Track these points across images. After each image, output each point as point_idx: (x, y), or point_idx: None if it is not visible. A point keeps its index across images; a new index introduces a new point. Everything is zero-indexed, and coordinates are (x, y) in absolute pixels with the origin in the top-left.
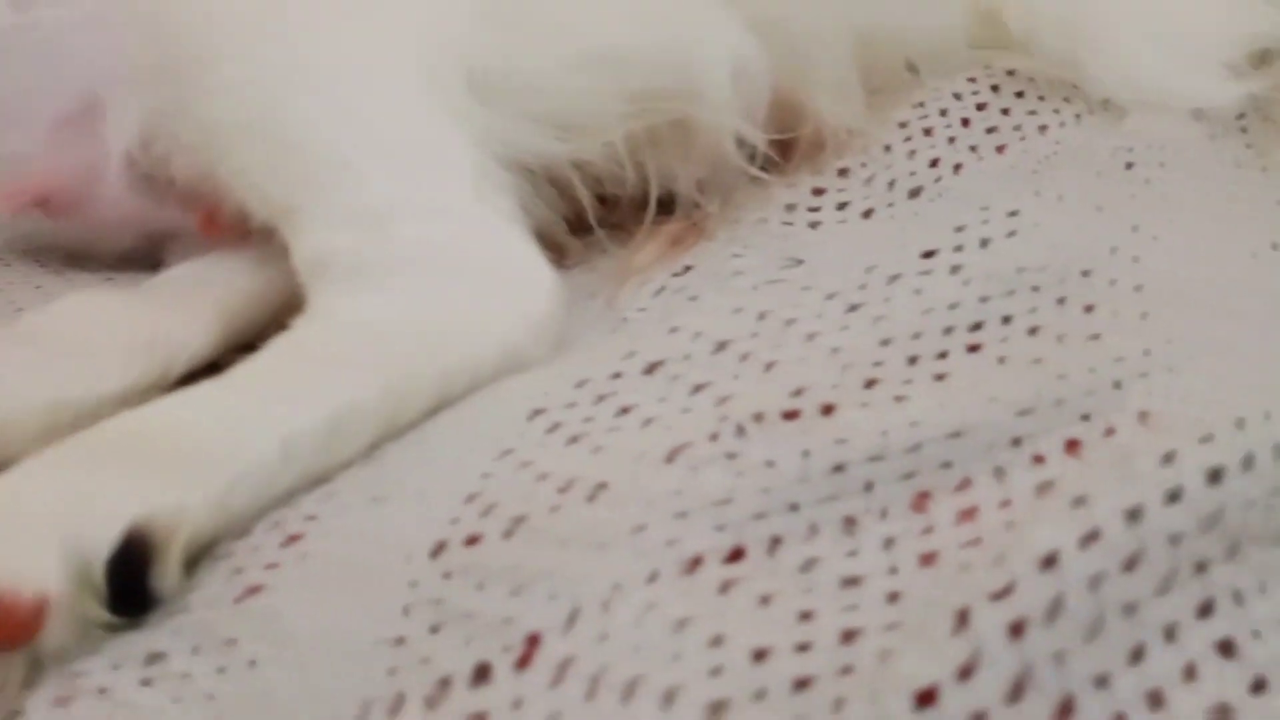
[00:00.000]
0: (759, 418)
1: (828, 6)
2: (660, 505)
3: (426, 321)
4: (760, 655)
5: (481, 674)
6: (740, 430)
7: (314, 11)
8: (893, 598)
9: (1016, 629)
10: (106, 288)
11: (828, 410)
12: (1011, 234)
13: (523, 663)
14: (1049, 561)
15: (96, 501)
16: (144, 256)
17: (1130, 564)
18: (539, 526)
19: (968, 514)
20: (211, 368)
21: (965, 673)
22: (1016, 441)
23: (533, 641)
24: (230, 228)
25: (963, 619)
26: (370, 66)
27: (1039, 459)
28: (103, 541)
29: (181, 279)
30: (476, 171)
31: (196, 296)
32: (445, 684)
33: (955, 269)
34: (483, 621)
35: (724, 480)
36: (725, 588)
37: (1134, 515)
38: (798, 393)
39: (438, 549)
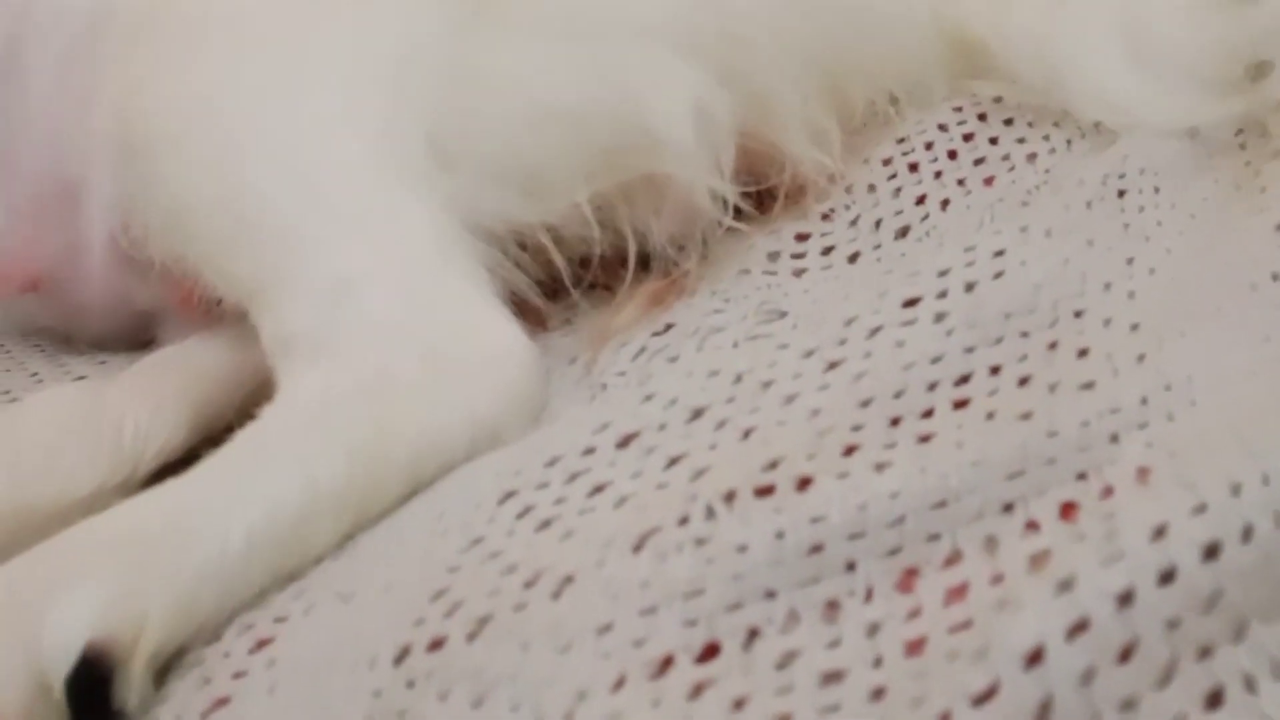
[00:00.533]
0: (730, 497)
1: (788, 48)
2: (627, 600)
3: (392, 401)
4: None
5: None
6: (710, 512)
7: (270, 87)
8: (876, 694)
9: None
10: (84, 379)
11: (803, 484)
12: (998, 275)
13: None
14: (1034, 658)
15: (55, 616)
16: (137, 334)
17: (1125, 655)
18: (504, 626)
19: (957, 592)
20: (188, 459)
21: None
22: (1008, 507)
23: None
24: (207, 309)
25: None
26: (328, 139)
27: (1032, 525)
28: (62, 658)
29: (151, 370)
30: (441, 239)
31: (166, 388)
32: None
33: (939, 317)
34: None
35: (694, 568)
36: (696, 691)
37: (1125, 599)
38: (772, 465)
39: (402, 654)
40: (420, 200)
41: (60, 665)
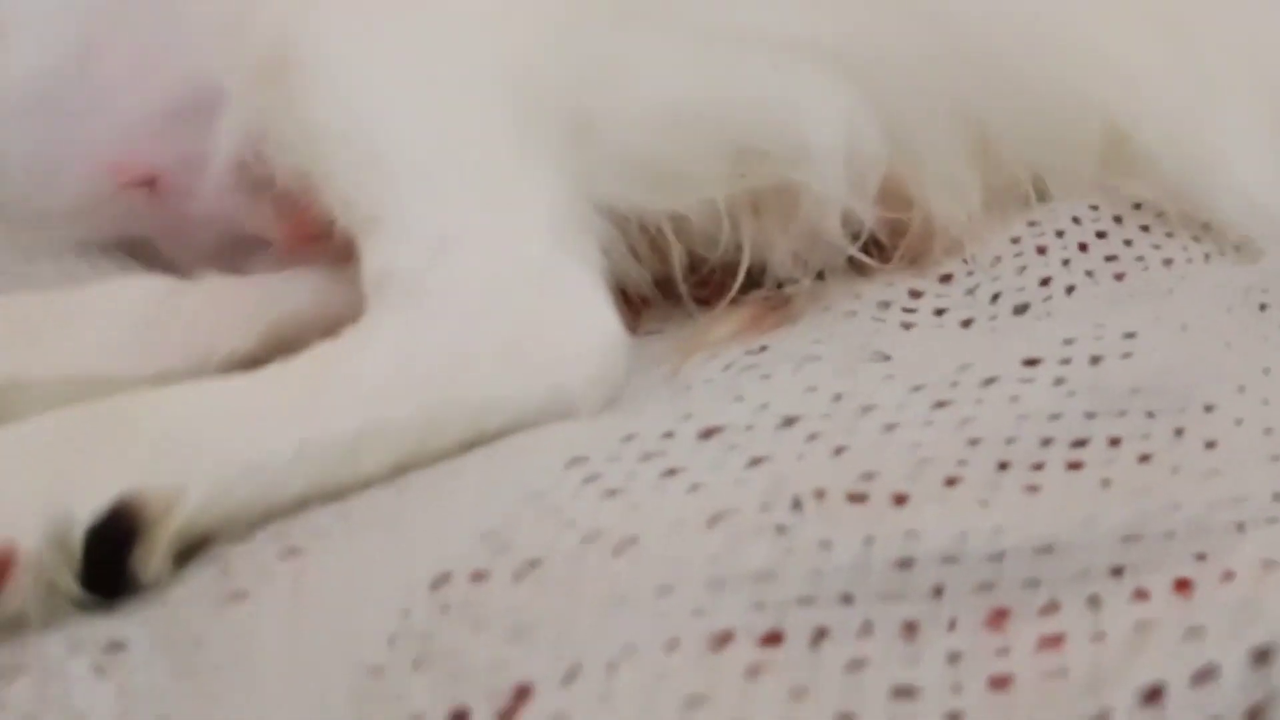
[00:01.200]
0: (820, 494)
1: (944, 91)
2: (693, 569)
3: (474, 351)
4: None
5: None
6: (797, 504)
7: (421, 35)
8: (953, 717)
9: None
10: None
11: (900, 500)
12: (1127, 355)
13: (505, 715)
14: (1153, 696)
15: (92, 467)
16: (232, 263)
17: (1254, 715)
18: (555, 574)
19: (1052, 641)
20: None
21: None
22: (1117, 571)
23: (522, 693)
24: (316, 240)
25: None
26: (468, 94)
27: (1141, 594)
28: (88, 508)
29: (238, 282)
30: (559, 212)
31: (248, 300)
32: None
33: (1060, 381)
34: (471, 663)
35: (770, 554)
36: (754, 672)
37: (1262, 658)
38: (868, 477)
39: (440, 580)
40: (548, 172)
41: (87, 513)
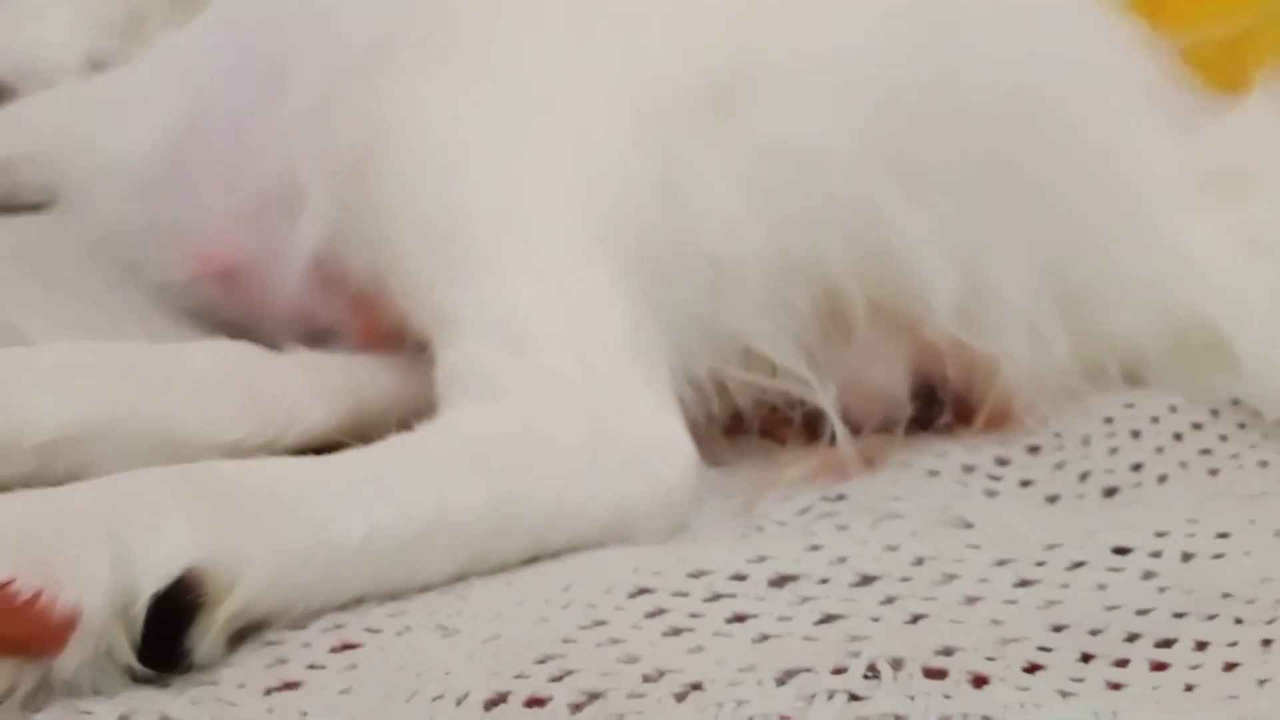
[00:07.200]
0: (898, 664)
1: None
2: None
3: (547, 458)
4: None
5: None
6: (873, 671)
7: (511, 137)
8: None
9: None
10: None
11: (980, 682)
12: (1219, 556)
13: None
14: None
15: (160, 537)
16: (309, 344)
17: None
18: (615, 709)
19: None
20: (330, 450)
21: None
22: None
23: None
24: (389, 337)
25: None
26: (553, 200)
27: None
28: (154, 578)
29: (325, 359)
30: (634, 323)
31: (334, 378)
32: None
33: (1150, 575)
34: None
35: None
36: None
37: None
38: (946, 652)
39: (495, 700)
40: (623, 281)
41: (154, 580)
